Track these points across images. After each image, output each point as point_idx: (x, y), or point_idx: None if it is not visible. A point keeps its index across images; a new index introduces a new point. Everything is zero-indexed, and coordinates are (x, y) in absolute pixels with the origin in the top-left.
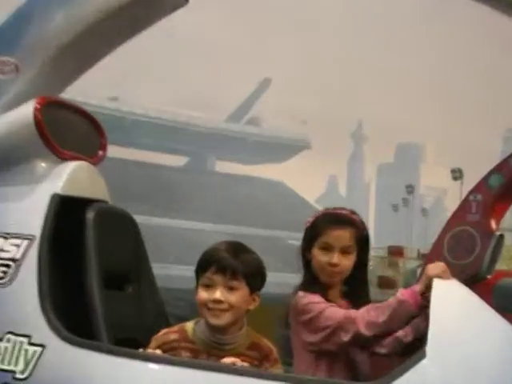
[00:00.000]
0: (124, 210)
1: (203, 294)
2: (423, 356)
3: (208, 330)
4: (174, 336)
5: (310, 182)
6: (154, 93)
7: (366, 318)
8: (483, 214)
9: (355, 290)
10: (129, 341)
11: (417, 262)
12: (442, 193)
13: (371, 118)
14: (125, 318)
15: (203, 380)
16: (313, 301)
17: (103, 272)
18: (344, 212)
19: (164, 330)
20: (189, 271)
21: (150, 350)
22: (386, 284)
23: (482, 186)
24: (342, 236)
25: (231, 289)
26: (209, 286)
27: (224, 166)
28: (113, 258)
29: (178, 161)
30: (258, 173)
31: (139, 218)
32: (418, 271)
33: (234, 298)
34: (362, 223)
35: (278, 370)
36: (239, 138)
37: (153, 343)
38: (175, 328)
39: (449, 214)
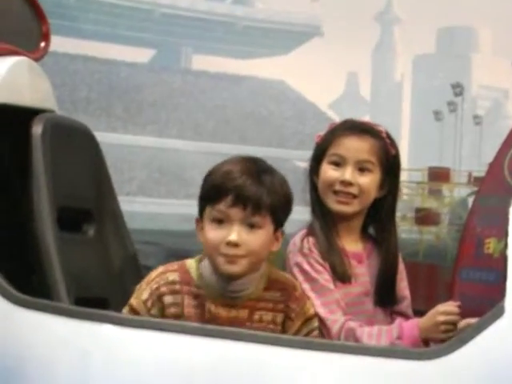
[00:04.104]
0: (81, 123)
1: (213, 234)
2: (501, 313)
3: (216, 275)
4: (173, 276)
5: (321, 82)
6: None
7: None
8: None
9: (377, 231)
10: (95, 300)
11: (468, 190)
12: (502, 94)
13: None
14: (87, 271)
15: (206, 351)
16: (304, 268)
17: (57, 209)
18: (366, 121)
19: (159, 269)
20: (160, 206)
21: (134, 300)
22: (427, 219)
23: None
24: (359, 147)
25: (252, 226)
26: (221, 222)
27: (204, 62)
28: (69, 190)
29: (141, 55)
30: (250, 70)
31: None
32: (470, 201)
33: (254, 240)
34: (390, 138)
35: (305, 315)
36: (225, 23)
37: (144, 287)
38: (174, 266)
39: (511, 123)
